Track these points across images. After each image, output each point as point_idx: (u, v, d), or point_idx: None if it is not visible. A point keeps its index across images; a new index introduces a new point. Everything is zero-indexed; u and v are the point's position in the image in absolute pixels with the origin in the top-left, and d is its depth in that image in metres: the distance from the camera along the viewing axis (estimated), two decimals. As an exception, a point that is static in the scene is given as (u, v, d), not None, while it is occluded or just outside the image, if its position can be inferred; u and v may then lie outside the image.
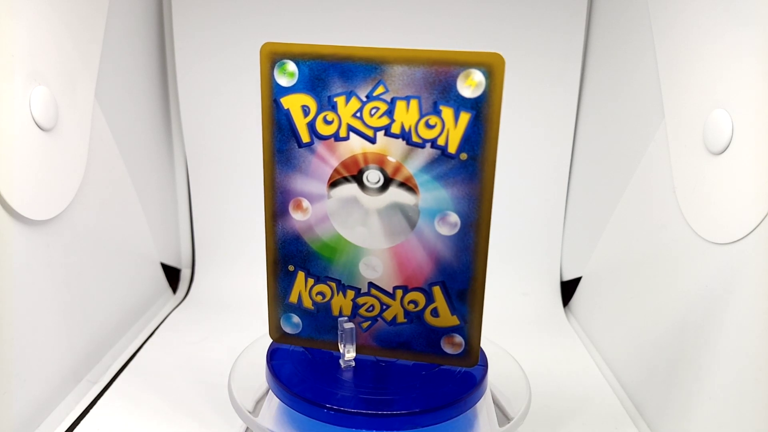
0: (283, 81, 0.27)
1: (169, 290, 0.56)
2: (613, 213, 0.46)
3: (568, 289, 0.55)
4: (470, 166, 0.27)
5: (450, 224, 0.28)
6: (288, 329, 0.32)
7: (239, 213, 0.57)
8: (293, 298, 0.31)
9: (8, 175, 0.31)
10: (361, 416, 0.27)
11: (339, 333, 0.31)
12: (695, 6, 0.34)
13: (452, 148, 0.27)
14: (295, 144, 0.28)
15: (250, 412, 0.30)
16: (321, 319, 0.31)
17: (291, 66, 0.27)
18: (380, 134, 0.27)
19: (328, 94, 0.27)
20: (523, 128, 0.55)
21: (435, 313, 0.30)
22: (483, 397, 0.30)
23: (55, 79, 0.36)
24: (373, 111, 0.27)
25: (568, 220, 0.56)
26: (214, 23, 0.53)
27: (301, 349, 0.32)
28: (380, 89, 0.27)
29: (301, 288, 0.31)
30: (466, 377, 0.30)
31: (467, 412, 0.29)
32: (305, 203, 0.29)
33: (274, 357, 0.31)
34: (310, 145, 0.28)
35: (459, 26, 0.53)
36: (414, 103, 0.27)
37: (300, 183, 0.29)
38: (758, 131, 0.28)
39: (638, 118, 0.42)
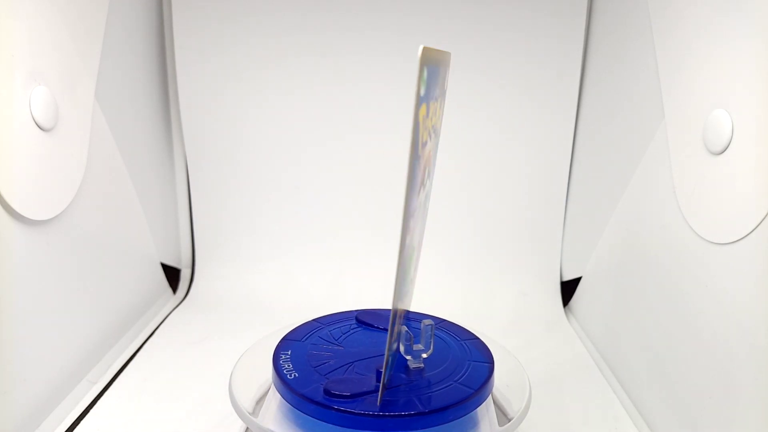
0: (422, 90, 0.23)
1: (169, 290, 0.56)
2: (613, 213, 0.46)
3: (568, 289, 0.55)
4: (435, 143, 0.30)
5: (428, 196, 0.31)
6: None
7: (239, 213, 0.57)
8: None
9: (8, 175, 0.31)
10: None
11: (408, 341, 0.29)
12: (695, 6, 0.34)
13: (437, 132, 0.29)
14: (417, 160, 0.25)
15: (250, 413, 0.29)
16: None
17: (425, 72, 0.23)
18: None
19: (429, 100, 0.25)
20: (524, 128, 0.55)
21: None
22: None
23: (55, 79, 0.36)
24: (434, 111, 0.27)
25: (568, 220, 0.56)
26: (214, 23, 0.53)
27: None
28: (438, 90, 0.27)
29: None
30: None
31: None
32: (411, 224, 0.26)
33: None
34: (420, 158, 0.25)
35: (458, 26, 0.53)
36: (440, 99, 0.28)
37: (413, 205, 0.26)
38: (758, 131, 0.28)
39: (638, 118, 0.42)
